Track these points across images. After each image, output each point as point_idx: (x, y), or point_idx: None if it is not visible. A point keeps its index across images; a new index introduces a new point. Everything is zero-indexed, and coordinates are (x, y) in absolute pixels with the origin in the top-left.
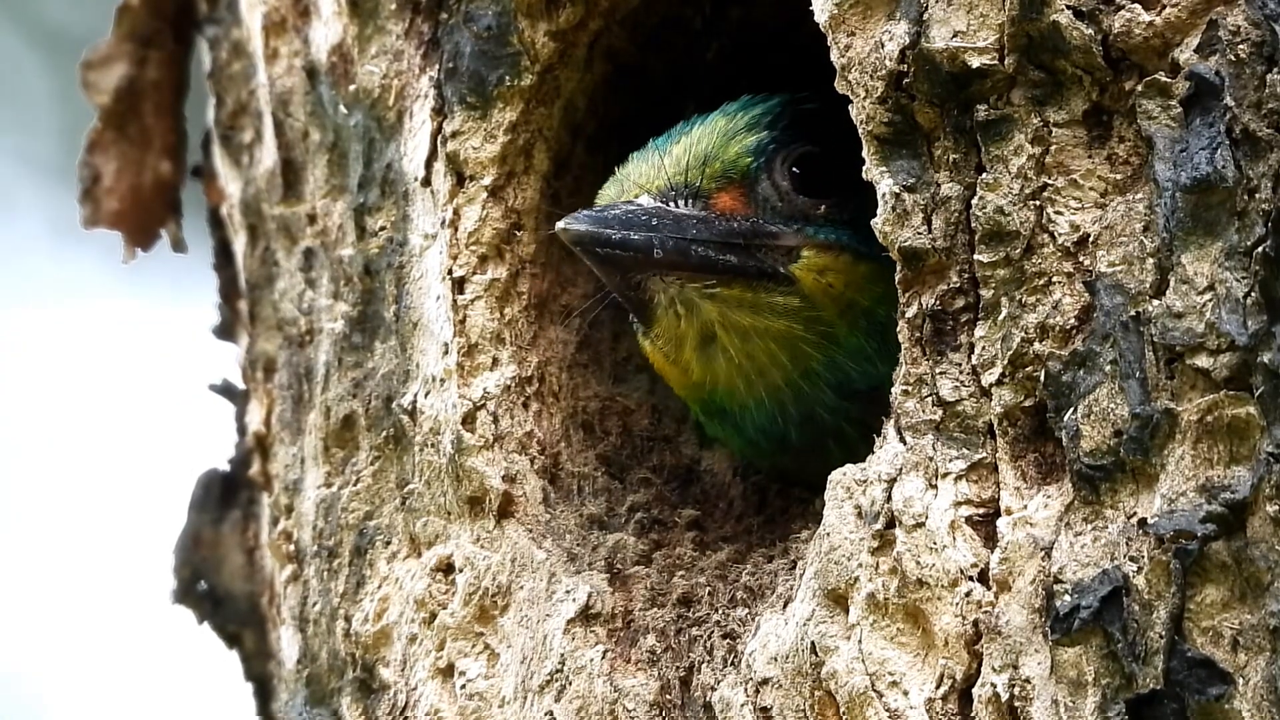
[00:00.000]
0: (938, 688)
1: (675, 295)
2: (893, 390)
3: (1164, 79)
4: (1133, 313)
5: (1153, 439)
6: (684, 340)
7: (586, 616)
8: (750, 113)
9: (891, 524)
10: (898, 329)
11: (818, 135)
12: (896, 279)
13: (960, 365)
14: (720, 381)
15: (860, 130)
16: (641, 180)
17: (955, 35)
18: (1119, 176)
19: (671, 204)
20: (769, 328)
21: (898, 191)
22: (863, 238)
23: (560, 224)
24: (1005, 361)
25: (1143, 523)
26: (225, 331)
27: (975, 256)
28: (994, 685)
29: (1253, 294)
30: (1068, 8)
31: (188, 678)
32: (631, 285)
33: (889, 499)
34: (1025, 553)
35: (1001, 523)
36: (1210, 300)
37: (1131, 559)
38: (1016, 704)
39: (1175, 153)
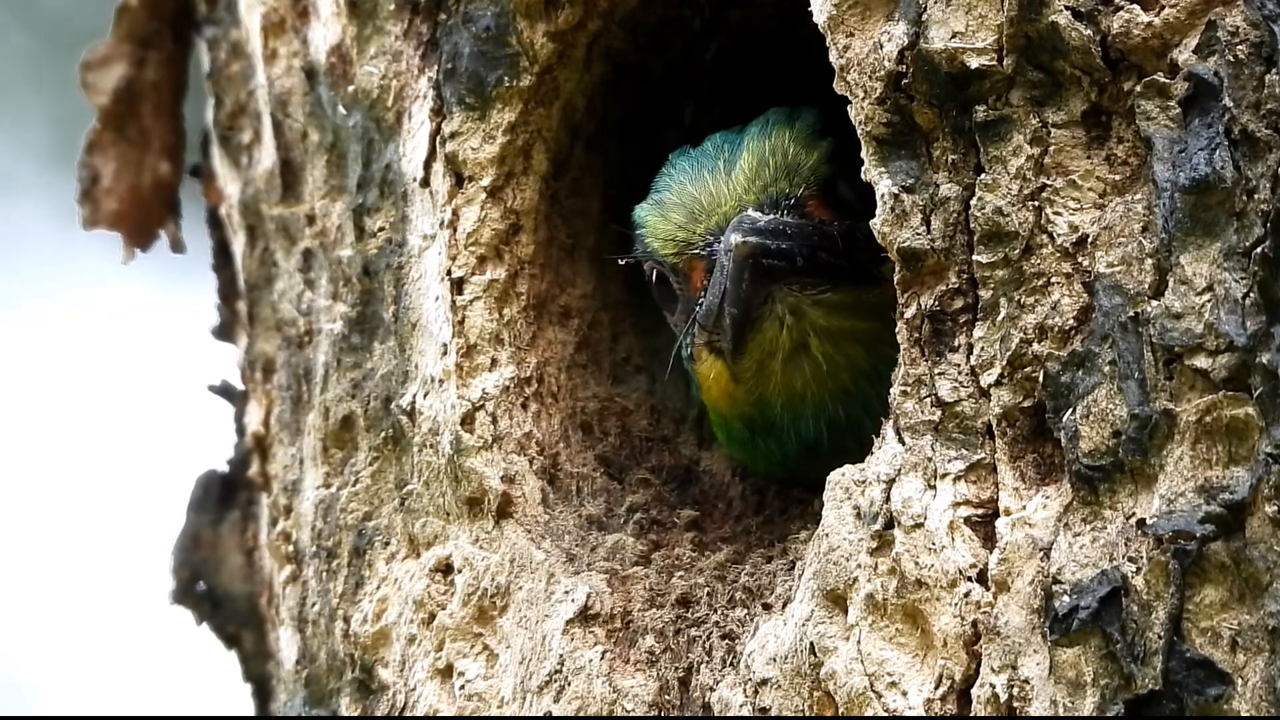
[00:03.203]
0: (936, 688)
1: (792, 304)
2: (891, 391)
3: (1163, 80)
4: (1131, 313)
5: (1151, 440)
6: (777, 351)
7: (585, 617)
8: (806, 120)
9: (890, 524)
10: (896, 329)
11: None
12: (895, 280)
13: (959, 366)
14: (795, 389)
15: (859, 131)
16: (720, 201)
17: (954, 36)
18: (1118, 177)
19: (777, 215)
20: (857, 328)
21: (896, 192)
22: None
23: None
24: (1004, 362)
25: (1141, 523)
26: (224, 332)
27: (974, 257)
28: (993, 686)
29: (1251, 294)
30: (1066, 8)
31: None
32: (762, 299)
33: (888, 499)
34: (1024, 553)
35: (1000, 523)
36: (1209, 301)
37: (1130, 559)
38: (1015, 704)
39: (1174, 153)
